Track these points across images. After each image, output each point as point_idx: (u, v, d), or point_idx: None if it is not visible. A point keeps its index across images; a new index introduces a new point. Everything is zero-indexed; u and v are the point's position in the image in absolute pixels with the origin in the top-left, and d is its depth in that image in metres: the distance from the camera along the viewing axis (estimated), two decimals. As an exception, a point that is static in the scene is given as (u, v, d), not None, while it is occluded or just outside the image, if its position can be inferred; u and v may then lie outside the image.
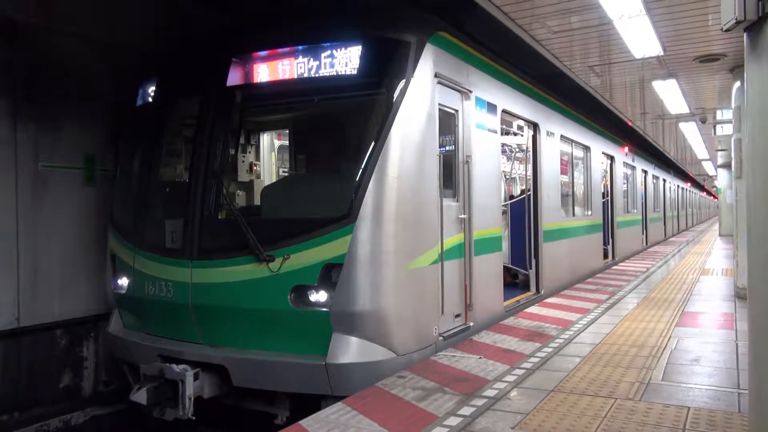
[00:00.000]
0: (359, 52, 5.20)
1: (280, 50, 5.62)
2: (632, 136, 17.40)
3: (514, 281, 9.24)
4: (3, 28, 6.23)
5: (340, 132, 7.17)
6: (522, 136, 10.24)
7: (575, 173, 11.56)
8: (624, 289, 9.72)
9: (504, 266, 7.61)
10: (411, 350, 5.19)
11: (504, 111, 7.47)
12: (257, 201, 6.71)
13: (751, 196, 2.53)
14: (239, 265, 5.21)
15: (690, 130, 17.36)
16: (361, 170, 4.98)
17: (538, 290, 8.69)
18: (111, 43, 7.14)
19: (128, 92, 6.64)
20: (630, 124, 15.64)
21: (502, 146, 9.56)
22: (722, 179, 23.82)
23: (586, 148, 11.96)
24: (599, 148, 12.87)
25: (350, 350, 4.84)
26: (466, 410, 4.00)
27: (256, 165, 7.40)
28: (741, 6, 2.31)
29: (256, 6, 7.69)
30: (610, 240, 14.02)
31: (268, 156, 7.97)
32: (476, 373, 4.88)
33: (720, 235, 24.01)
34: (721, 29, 2.55)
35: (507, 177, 12.46)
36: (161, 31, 7.15)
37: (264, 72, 5.66)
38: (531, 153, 8.96)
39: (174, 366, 5.06)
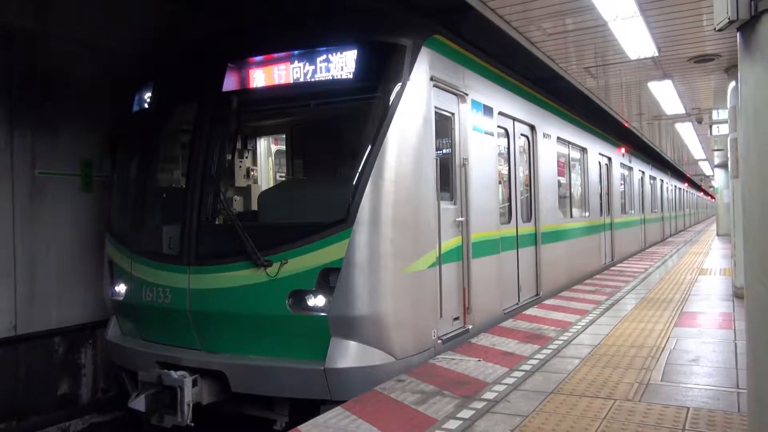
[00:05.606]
0: (355, 57, 5.20)
1: (276, 55, 5.62)
2: (629, 137, 17.43)
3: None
4: (1, 34, 6.23)
5: (336, 136, 7.19)
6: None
7: (572, 175, 11.58)
8: (622, 289, 9.73)
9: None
10: (410, 354, 5.18)
11: (500, 113, 7.48)
12: (254, 206, 6.70)
13: (747, 195, 2.53)
14: (237, 270, 5.20)
15: (686, 131, 17.40)
16: (357, 174, 4.98)
17: (536, 292, 8.68)
18: (108, 49, 7.15)
19: (125, 98, 6.64)
20: (626, 125, 15.67)
21: (499, 148, 9.56)
22: (719, 179, 23.86)
23: (583, 150, 11.99)
24: (596, 149, 12.90)
25: (349, 355, 4.83)
26: (466, 413, 3.99)
27: (253, 170, 7.40)
28: (733, 6, 2.32)
29: (253, 11, 7.71)
30: (609, 241, 14.04)
31: (265, 161, 7.97)
32: (475, 375, 4.87)
33: (718, 235, 24.04)
34: (715, 29, 2.55)
35: (504, 179, 12.45)
36: (159, 37, 7.15)
37: (260, 77, 5.66)
38: (528, 155, 8.96)
39: (172, 372, 5.05)
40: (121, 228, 6.34)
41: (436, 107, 5.74)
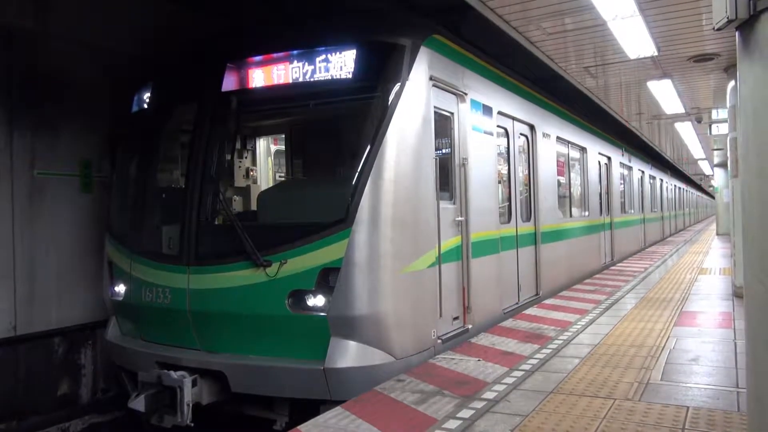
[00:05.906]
0: (354, 56, 5.20)
1: (275, 55, 5.63)
2: (628, 136, 17.43)
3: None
4: (1, 34, 6.23)
5: (336, 136, 7.19)
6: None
7: (572, 174, 11.58)
8: (622, 289, 9.73)
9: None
10: (409, 353, 5.18)
11: (500, 113, 7.48)
12: (254, 206, 6.71)
13: (746, 194, 2.53)
14: (236, 270, 5.20)
15: (686, 130, 17.40)
16: (357, 174, 4.98)
17: (536, 292, 8.68)
18: (108, 49, 7.14)
19: (125, 98, 6.64)
20: (626, 124, 15.67)
21: (499, 148, 9.57)
22: (719, 178, 23.87)
23: (583, 149, 11.99)
24: (596, 149, 12.90)
25: (348, 354, 4.83)
26: (465, 413, 4.00)
27: (252, 170, 7.41)
28: (732, 5, 2.32)
29: (253, 11, 7.71)
30: (609, 240, 14.03)
31: (265, 161, 7.97)
32: (475, 375, 4.87)
33: (717, 234, 24.04)
34: (714, 28, 2.55)
35: (504, 179, 12.46)
36: (159, 37, 7.15)
37: (260, 77, 5.66)
38: (527, 155, 8.97)
39: (172, 373, 5.05)
40: (120, 228, 6.34)
41: (435, 107, 5.74)
